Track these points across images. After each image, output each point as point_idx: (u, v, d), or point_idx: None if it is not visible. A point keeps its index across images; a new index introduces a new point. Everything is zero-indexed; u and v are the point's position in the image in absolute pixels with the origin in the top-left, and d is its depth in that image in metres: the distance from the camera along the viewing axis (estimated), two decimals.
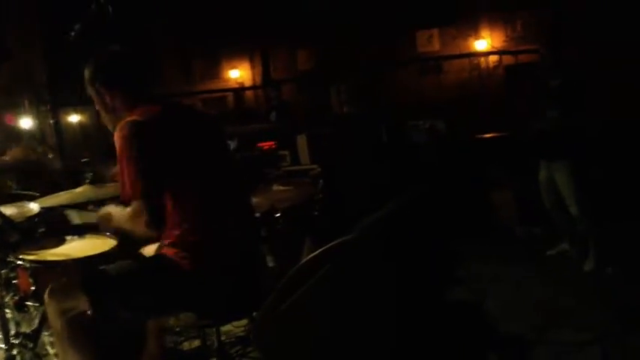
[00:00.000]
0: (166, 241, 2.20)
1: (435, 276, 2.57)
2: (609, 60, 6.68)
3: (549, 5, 7.58)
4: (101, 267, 2.27)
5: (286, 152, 6.35)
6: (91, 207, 2.82)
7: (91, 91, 2.33)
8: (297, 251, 2.95)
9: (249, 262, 2.34)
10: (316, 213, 3.10)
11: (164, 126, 2.18)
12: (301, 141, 6.17)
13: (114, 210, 2.31)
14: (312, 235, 2.96)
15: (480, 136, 6.84)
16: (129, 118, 2.14)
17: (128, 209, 2.17)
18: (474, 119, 7.21)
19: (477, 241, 5.04)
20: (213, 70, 10.08)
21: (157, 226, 2.15)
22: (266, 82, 9.17)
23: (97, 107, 2.36)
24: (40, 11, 6.96)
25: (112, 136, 2.18)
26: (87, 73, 2.31)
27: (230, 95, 9.90)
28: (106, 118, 2.35)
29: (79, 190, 2.94)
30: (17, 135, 7.50)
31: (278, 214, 2.96)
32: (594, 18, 6.94)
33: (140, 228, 2.14)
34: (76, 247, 2.68)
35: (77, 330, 2.15)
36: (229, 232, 2.26)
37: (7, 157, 4.15)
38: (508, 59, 8.21)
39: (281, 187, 3.31)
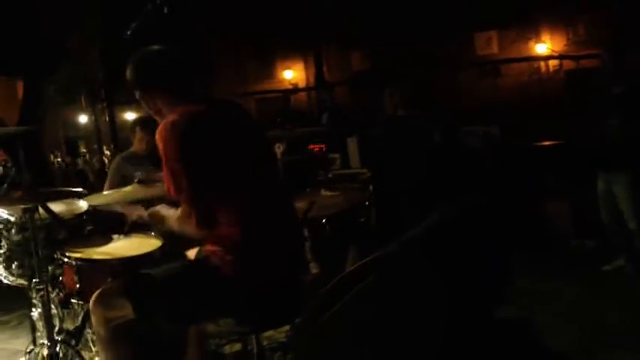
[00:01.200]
0: (210, 241, 2.17)
1: (485, 290, 2.47)
2: None
3: (611, 8, 7.28)
4: (145, 271, 2.26)
5: (337, 155, 6.30)
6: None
7: (136, 93, 2.29)
8: (341, 259, 2.89)
9: (293, 268, 2.30)
10: (363, 220, 3.03)
11: (205, 125, 2.13)
12: (352, 144, 6.11)
13: (164, 211, 2.30)
14: (358, 242, 2.90)
15: (537, 143, 6.62)
16: (168, 119, 2.11)
17: (177, 211, 2.16)
18: (532, 125, 6.99)
19: (530, 254, 4.87)
20: (267, 70, 10.14)
21: (206, 227, 2.13)
22: (319, 83, 9.16)
23: (144, 105, 2.33)
24: (101, 12, 7.14)
25: None
26: (128, 76, 2.27)
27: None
28: (156, 118, 2.34)
29: (127, 189, 2.95)
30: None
31: (324, 220, 2.90)
32: None
33: (190, 229, 2.14)
34: (122, 247, 2.69)
35: (120, 338, 2.14)
36: (274, 236, 2.22)
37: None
38: (569, 64, 7.95)
39: (329, 193, 3.26)
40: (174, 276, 2.20)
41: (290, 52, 9.99)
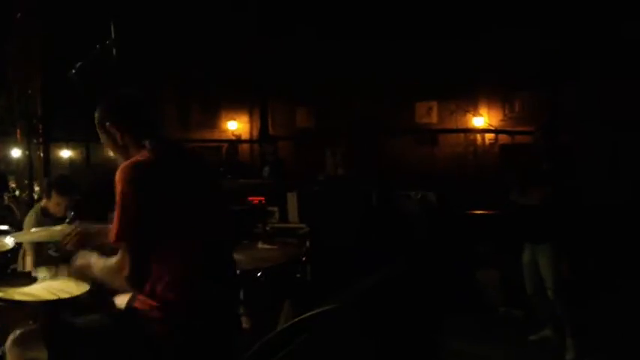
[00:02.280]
0: (142, 295, 2.11)
1: (414, 353, 2.47)
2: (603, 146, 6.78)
3: (547, 90, 7.71)
4: (69, 318, 2.17)
5: (275, 209, 6.29)
6: (50, 247, 2.74)
7: (101, 130, 2.29)
8: (275, 314, 2.85)
9: (226, 325, 2.25)
10: (299, 275, 3.01)
11: (165, 171, 2.13)
12: (292, 199, 6.11)
13: (94, 259, 2.23)
14: (293, 298, 2.87)
15: (470, 212, 6.82)
16: (130, 160, 2.10)
17: (110, 260, 2.10)
18: (465, 194, 7.21)
19: (460, 320, 4.95)
20: (211, 119, 10.14)
21: (136, 285, 2.08)
22: (263, 136, 9.21)
23: (107, 147, 2.32)
24: (43, 45, 7.02)
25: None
26: (99, 112, 2.29)
27: (225, 146, 9.91)
28: (117, 157, 2.31)
29: (58, 228, 2.85)
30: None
31: (259, 273, 2.87)
32: (590, 105, 7.06)
33: (119, 282, 2.09)
34: (46, 288, 2.57)
35: None
36: (211, 292, 2.18)
37: None
38: (504, 138, 8.30)
39: (266, 246, 3.23)
40: (98, 328, 2.11)
41: (235, 103, 10.04)
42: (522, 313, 5.52)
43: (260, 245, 3.27)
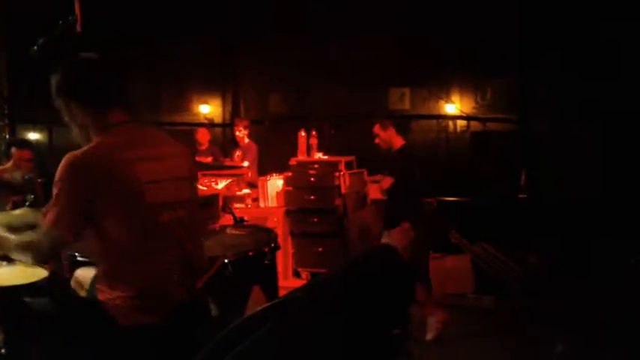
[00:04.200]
0: (104, 282, 2.06)
1: (385, 341, 2.44)
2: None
3: (518, 76, 7.74)
4: (25, 299, 2.10)
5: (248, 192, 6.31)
6: None
7: (59, 102, 2.16)
8: (242, 301, 2.80)
9: (189, 310, 2.20)
10: (267, 262, 2.96)
11: (107, 163, 2.04)
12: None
13: (5, 234, 2.18)
14: (261, 285, 2.82)
15: (442, 198, 6.85)
16: (77, 151, 2.03)
17: (25, 237, 2.09)
18: (437, 181, 7.22)
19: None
20: (183, 102, 9.96)
21: (46, 263, 2.19)
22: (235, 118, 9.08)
23: (66, 119, 2.19)
24: (5, 22, 6.81)
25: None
26: (55, 81, 2.14)
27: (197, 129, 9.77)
28: (76, 134, 2.19)
29: (17, 212, 2.76)
30: None
31: (227, 260, 2.81)
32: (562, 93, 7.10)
33: (29, 260, 2.12)
34: (2, 275, 2.47)
35: None
36: (168, 276, 2.14)
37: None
38: (476, 125, 8.31)
39: (235, 231, 3.17)
40: (55, 314, 2.07)
41: (207, 86, 9.88)
42: (492, 299, 5.59)
43: (229, 230, 3.22)
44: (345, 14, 8.10)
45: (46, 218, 2.03)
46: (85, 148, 2.07)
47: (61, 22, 2.99)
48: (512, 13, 7.31)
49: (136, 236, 2.07)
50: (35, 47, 3.12)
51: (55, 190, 2.01)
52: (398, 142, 5.63)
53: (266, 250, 2.97)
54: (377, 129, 5.67)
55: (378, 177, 5.73)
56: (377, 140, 5.70)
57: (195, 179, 2.46)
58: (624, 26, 6.35)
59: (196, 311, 2.27)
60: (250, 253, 2.88)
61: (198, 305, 2.29)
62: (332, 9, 8.10)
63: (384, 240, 5.44)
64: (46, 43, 3.10)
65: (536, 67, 7.32)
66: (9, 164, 3.95)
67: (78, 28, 2.96)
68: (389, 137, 5.61)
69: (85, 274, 2.44)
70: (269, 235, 3.20)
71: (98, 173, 2.00)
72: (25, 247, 2.10)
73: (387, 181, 5.42)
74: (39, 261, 2.18)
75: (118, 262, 2.08)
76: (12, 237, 2.14)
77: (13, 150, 3.96)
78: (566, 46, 6.91)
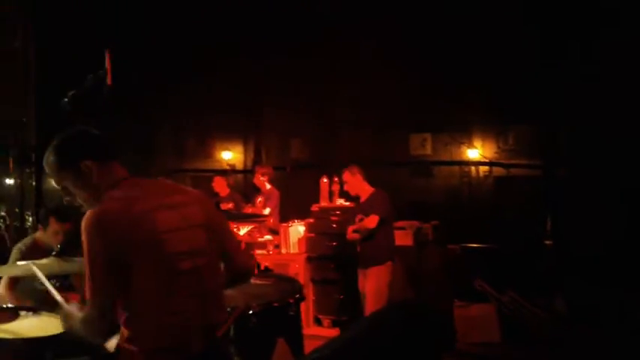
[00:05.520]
0: (126, 335, 2.05)
1: None
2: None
3: (539, 122, 7.71)
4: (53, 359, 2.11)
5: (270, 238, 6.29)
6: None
7: (68, 172, 2.19)
8: (267, 354, 2.76)
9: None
10: (292, 314, 2.92)
11: (128, 215, 2.06)
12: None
13: (74, 311, 2.21)
14: (286, 337, 2.78)
15: (466, 244, 6.77)
16: (96, 209, 2.05)
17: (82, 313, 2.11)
18: (461, 226, 7.15)
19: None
20: (205, 149, 10.09)
21: (104, 336, 2.16)
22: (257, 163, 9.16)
23: (73, 190, 2.21)
24: (37, 71, 7.01)
25: None
26: (48, 161, 2.22)
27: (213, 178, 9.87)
28: (85, 199, 2.20)
29: (44, 261, 2.78)
30: None
31: (251, 312, 2.78)
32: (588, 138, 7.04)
33: (89, 335, 2.12)
34: (28, 326, 2.47)
35: None
36: (189, 328, 2.12)
37: None
38: (498, 171, 8.26)
39: (258, 281, 3.14)
40: None
41: (229, 133, 10.00)
42: (520, 348, 5.45)
43: (253, 280, 3.18)
44: (366, 59, 8.20)
45: (87, 293, 2.03)
46: (103, 204, 2.09)
47: (91, 75, 3.06)
48: (534, 58, 7.33)
49: (159, 287, 2.06)
50: (65, 99, 3.18)
51: (85, 258, 2.01)
52: (367, 187, 5.63)
53: (291, 301, 2.93)
54: (345, 176, 5.67)
55: (358, 217, 5.58)
56: (345, 187, 5.71)
57: (217, 225, 2.41)
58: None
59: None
60: (275, 304, 2.84)
61: (219, 356, 2.27)
62: (352, 54, 8.20)
63: (361, 280, 5.52)
64: (77, 95, 3.16)
65: (560, 113, 7.29)
66: (47, 232, 3.80)
67: (108, 81, 3.02)
68: (358, 183, 5.59)
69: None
70: (293, 285, 3.17)
71: (120, 224, 2.02)
72: (81, 323, 2.11)
73: (374, 219, 5.35)
74: (97, 336, 2.19)
75: (140, 313, 2.06)
76: (76, 312, 2.17)
77: (52, 220, 3.78)
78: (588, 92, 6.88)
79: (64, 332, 2.36)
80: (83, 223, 2.01)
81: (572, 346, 5.30)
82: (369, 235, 5.44)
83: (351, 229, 5.64)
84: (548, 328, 5.64)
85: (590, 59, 6.89)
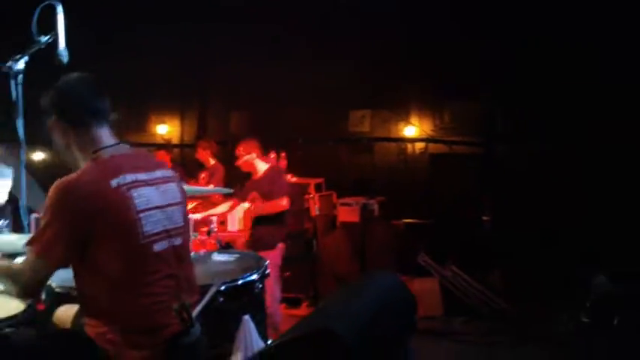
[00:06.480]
0: (93, 317, 1.96)
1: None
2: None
3: (478, 100, 7.88)
4: (6, 331, 2.00)
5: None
6: None
7: (49, 121, 2.11)
8: (232, 331, 2.69)
9: (184, 341, 2.11)
10: (257, 290, 2.85)
11: (103, 192, 1.97)
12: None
13: None
14: (252, 315, 2.72)
15: (407, 220, 6.88)
16: (69, 177, 1.95)
17: (14, 264, 2.03)
18: (401, 203, 7.24)
19: None
20: (139, 122, 9.74)
21: (32, 296, 2.08)
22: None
23: (56, 140, 2.13)
24: None
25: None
26: (47, 99, 2.11)
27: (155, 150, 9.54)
28: (65, 155, 2.13)
29: None
30: None
31: (214, 289, 2.69)
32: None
33: (15, 292, 2.02)
34: None
35: None
36: (163, 309, 2.05)
37: None
38: (435, 147, 8.40)
39: (222, 258, 3.06)
40: (38, 345, 1.96)
41: (166, 106, 9.68)
42: (461, 320, 5.61)
43: (215, 257, 3.10)
44: (309, 38, 8.10)
45: (32, 248, 1.93)
46: (77, 173, 1.99)
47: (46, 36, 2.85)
48: (473, 36, 7.44)
49: (131, 268, 1.99)
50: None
51: (44, 218, 1.91)
52: (263, 164, 5.43)
53: (256, 277, 2.87)
54: (242, 149, 5.41)
55: (252, 195, 5.33)
56: (238, 162, 5.46)
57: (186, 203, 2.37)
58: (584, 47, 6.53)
59: (191, 342, 2.17)
60: (240, 281, 2.77)
61: (192, 335, 2.20)
62: (295, 32, 8.09)
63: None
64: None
65: (498, 90, 7.46)
66: None
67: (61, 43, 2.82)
68: (255, 158, 5.39)
69: (68, 312, 2.30)
70: (258, 261, 3.10)
71: (93, 200, 1.92)
72: (9, 276, 2.00)
73: (284, 200, 5.12)
74: (22, 294, 2.05)
75: (111, 296, 1.99)
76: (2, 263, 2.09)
77: None
78: (527, 69, 7.06)
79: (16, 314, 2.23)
80: (53, 189, 1.91)
81: (511, 320, 5.51)
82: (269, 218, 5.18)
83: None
84: (487, 302, 5.83)
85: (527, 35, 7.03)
